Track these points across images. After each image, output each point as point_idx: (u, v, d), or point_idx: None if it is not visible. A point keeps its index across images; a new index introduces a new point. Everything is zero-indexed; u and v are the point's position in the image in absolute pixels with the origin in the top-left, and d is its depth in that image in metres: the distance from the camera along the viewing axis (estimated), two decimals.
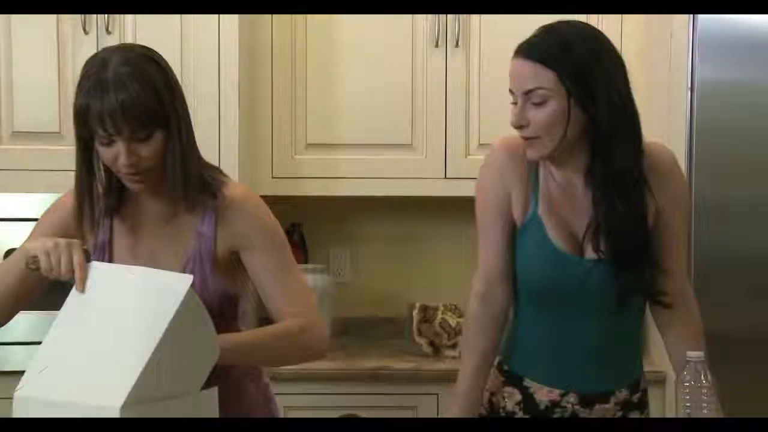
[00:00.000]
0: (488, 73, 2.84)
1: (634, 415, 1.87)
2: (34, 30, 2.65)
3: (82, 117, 1.65)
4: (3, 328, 2.61)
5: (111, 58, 1.66)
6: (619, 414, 1.85)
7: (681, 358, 1.73)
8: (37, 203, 2.65)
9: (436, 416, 2.67)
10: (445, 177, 2.87)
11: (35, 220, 2.59)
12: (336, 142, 2.88)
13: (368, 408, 2.63)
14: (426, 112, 2.86)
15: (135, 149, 1.66)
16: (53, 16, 2.64)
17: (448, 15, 2.82)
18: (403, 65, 2.85)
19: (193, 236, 1.78)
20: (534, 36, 1.78)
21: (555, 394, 1.84)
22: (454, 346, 2.81)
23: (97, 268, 1.60)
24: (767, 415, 1.80)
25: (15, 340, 2.62)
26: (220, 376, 1.60)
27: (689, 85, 2.57)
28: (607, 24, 2.82)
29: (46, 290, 1.76)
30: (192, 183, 1.73)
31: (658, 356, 2.75)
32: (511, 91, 1.78)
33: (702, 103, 2.57)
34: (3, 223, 2.65)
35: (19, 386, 1.49)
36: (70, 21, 2.65)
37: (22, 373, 1.54)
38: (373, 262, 3.13)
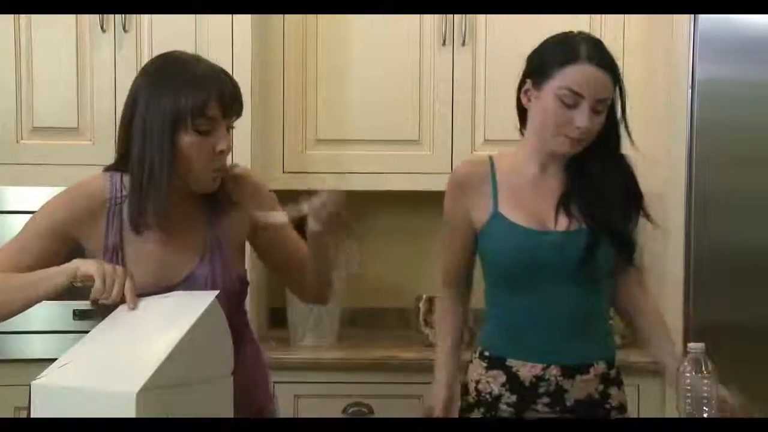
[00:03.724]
0: (494, 71, 2.88)
1: (614, 390, 1.97)
2: (54, 28, 2.69)
3: (200, 106, 1.69)
4: (21, 318, 2.68)
5: (191, 58, 1.77)
6: (600, 387, 1.95)
7: (652, 330, 1.99)
8: None
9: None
10: (452, 172, 2.91)
11: None
12: (345, 138, 2.92)
13: (375, 397, 2.68)
14: (433, 109, 2.91)
15: (229, 139, 1.75)
16: (72, 15, 2.68)
17: (455, 15, 2.86)
18: (411, 63, 2.90)
19: (209, 227, 1.82)
20: (588, 44, 1.88)
21: (538, 368, 1.93)
22: None
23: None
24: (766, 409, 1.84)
25: (32, 329, 2.68)
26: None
27: (690, 83, 2.61)
28: (609, 23, 2.86)
29: None
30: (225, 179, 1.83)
31: None
32: (575, 93, 1.84)
33: (702, 100, 2.60)
34: (22, 215, 2.68)
35: (39, 377, 1.51)
36: (88, 19, 2.69)
37: (39, 361, 1.59)
38: (381, 255, 3.16)
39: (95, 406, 1.43)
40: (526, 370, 1.93)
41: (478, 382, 1.98)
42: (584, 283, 1.91)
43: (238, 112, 1.77)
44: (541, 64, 1.90)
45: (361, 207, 3.15)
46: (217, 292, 1.63)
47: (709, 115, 2.62)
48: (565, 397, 1.93)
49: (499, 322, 1.99)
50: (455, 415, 2.00)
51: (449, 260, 2.06)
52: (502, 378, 1.95)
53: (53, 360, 1.56)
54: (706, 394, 1.68)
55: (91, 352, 1.57)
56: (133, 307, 1.64)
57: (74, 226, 1.80)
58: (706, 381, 1.68)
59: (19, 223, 2.79)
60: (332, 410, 2.67)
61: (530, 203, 1.94)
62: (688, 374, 1.69)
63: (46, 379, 1.50)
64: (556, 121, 1.86)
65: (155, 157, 1.70)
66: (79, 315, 2.65)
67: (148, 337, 1.57)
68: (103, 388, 1.45)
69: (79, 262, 1.68)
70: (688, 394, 1.69)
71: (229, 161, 1.84)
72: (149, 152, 1.71)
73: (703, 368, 1.68)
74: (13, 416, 2.48)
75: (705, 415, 1.67)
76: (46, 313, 2.68)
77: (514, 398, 1.94)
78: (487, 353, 1.99)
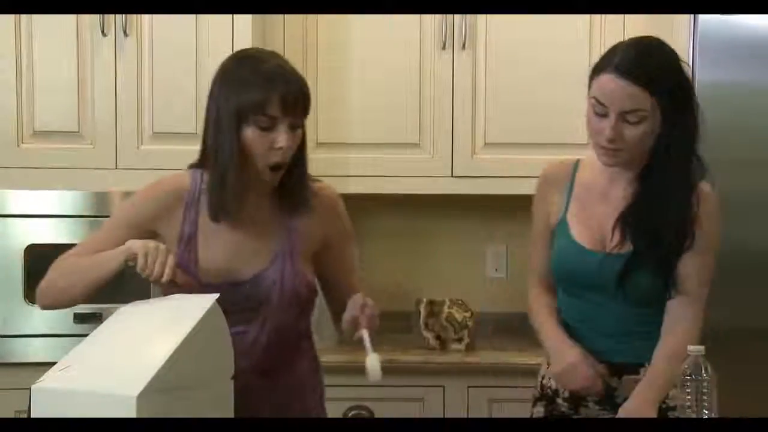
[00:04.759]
0: (494, 75, 2.89)
1: (672, 391, 1.91)
2: (54, 32, 2.70)
3: (261, 104, 1.74)
4: (22, 322, 2.69)
5: (263, 56, 1.82)
6: None
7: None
8: (56, 200, 2.73)
9: (442, 407, 2.73)
10: (452, 175, 2.92)
11: (55, 216, 2.70)
12: (346, 141, 2.93)
13: (376, 400, 2.67)
14: (433, 112, 2.91)
15: (291, 136, 1.78)
16: (73, 19, 2.69)
17: (456, 18, 2.87)
18: (411, 67, 2.90)
19: (283, 231, 1.86)
20: (628, 53, 1.83)
21: None
22: (460, 340, 2.87)
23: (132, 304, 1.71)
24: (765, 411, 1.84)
25: (33, 333, 2.69)
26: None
27: None
28: (609, 26, 2.87)
29: None
30: (308, 183, 1.87)
31: None
32: (600, 103, 1.83)
33: (702, 103, 2.60)
34: (24, 219, 2.71)
35: (39, 380, 1.52)
36: (89, 23, 2.70)
37: (39, 365, 1.60)
38: (381, 258, 3.16)
39: (95, 410, 1.43)
40: None
41: (543, 376, 2.04)
42: (626, 299, 1.92)
43: (303, 112, 1.81)
44: (590, 72, 1.90)
45: (361, 210, 3.16)
46: (217, 295, 1.64)
47: (709, 118, 2.60)
48: (615, 395, 1.94)
49: (560, 319, 2.03)
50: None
51: (534, 258, 2.07)
52: None
53: (53, 363, 1.56)
54: (706, 397, 1.69)
55: (91, 355, 1.57)
56: (179, 282, 1.72)
57: (153, 219, 1.86)
58: (705, 384, 1.69)
59: (20, 226, 2.81)
60: (333, 413, 2.65)
61: (593, 216, 1.96)
62: (688, 377, 1.70)
63: (46, 382, 1.51)
64: (590, 129, 1.87)
65: (225, 148, 1.78)
66: (79, 318, 2.65)
67: (148, 341, 1.57)
68: (104, 392, 1.45)
69: (130, 242, 1.74)
70: (688, 397, 1.69)
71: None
72: (220, 144, 1.79)
73: (703, 371, 1.69)
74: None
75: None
76: (46, 317, 2.68)
77: (568, 394, 1.98)
78: None
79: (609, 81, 1.82)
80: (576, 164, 2.02)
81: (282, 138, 1.77)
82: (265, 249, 1.85)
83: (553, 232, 2.00)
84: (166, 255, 1.70)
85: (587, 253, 1.94)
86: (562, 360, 1.93)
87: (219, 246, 1.84)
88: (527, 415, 2.07)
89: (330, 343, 2.89)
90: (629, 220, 1.90)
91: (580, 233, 1.95)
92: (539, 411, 2.03)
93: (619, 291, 1.90)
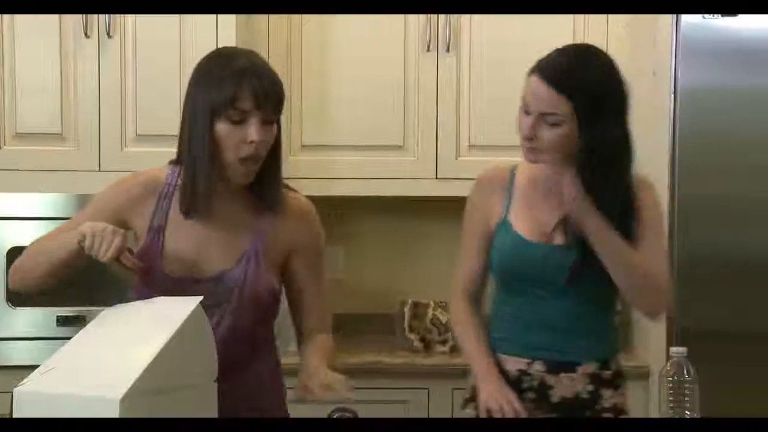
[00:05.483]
0: (478, 77, 2.91)
1: (608, 392, 1.97)
2: (37, 33, 2.69)
3: (231, 98, 1.75)
4: (4, 324, 2.68)
5: (236, 53, 1.84)
6: (590, 387, 1.96)
7: None
8: (39, 202, 2.72)
9: (426, 409, 2.73)
10: (436, 178, 2.93)
11: (38, 219, 2.69)
12: (330, 144, 2.93)
13: (361, 402, 2.66)
14: (418, 115, 2.92)
15: (263, 131, 1.78)
16: (56, 21, 2.69)
17: (440, 21, 2.88)
18: (395, 69, 2.91)
19: (252, 233, 1.85)
20: (554, 58, 1.91)
21: (522, 363, 1.97)
22: (444, 342, 2.88)
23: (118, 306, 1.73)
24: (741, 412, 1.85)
25: (16, 336, 2.68)
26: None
27: (672, 90, 2.63)
28: (591, 29, 2.88)
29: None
30: (281, 183, 1.87)
31: (641, 351, 2.83)
32: (526, 102, 1.90)
33: (685, 107, 2.63)
34: (6, 221, 2.70)
35: (21, 383, 1.51)
36: (72, 25, 2.69)
37: (22, 368, 1.59)
38: (366, 260, 3.17)
39: (79, 413, 1.43)
40: (512, 364, 1.97)
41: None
42: (573, 292, 1.94)
43: (275, 108, 1.82)
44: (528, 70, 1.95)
45: (346, 213, 3.16)
46: (200, 298, 1.63)
47: (691, 122, 2.64)
48: (550, 394, 1.95)
49: (497, 317, 2.05)
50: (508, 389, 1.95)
51: (464, 265, 2.06)
52: None
53: (36, 366, 1.55)
54: (688, 398, 1.71)
55: (74, 358, 1.56)
56: (127, 265, 1.74)
57: (124, 209, 1.88)
58: (687, 386, 1.71)
59: (3, 228, 2.80)
60: (317, 415, 2.67)
61: (537, 212, 1.97)
62: (670, 378, 1.71)
63: (28, 385, 1.50)
64: (518, 125, 1.93)
65: (197, 143, 1.80)
66: (62, 321, 2.65)
67: (131, 343, 1.57)
68: (87, 395, 1.44)
69: (83, 225, 1.76)
70: (671, 398, 1.71)
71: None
72: (193, 139, 1.81)
73: (685, 372, 1.71)
74: None
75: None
76: (29, 320, 2.67)
77: None
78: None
79: (534, 82, 1.89)
80: (514, 167, 2.05)
81: (253, 131, 1.77)
82: (232, 248, 1.85)
83: (492, 234, 2.01)
84: (112, 236, 1.72)
85: (531, 245, 1.95)
86: (484, 388, 1.94)
87: (187, 240, 1.85)
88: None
89: None
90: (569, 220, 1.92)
91: (523, 227, 1.97)
92: (470, 413, 2.03)
93: (565, 284, 1.92)
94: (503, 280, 2.02)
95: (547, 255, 1.93)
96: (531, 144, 1.90)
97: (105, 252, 1.70)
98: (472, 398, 2.02)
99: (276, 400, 1.98)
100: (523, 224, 1.97)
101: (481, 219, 2.03)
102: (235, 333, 1.83)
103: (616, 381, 2.00)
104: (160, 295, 1.74)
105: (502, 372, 1.97)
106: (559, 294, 1.94)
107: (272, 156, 1.85)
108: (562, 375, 1.95)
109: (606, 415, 1.95)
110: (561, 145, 1.89)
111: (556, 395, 1.95)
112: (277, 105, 1.82)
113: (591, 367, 1.97)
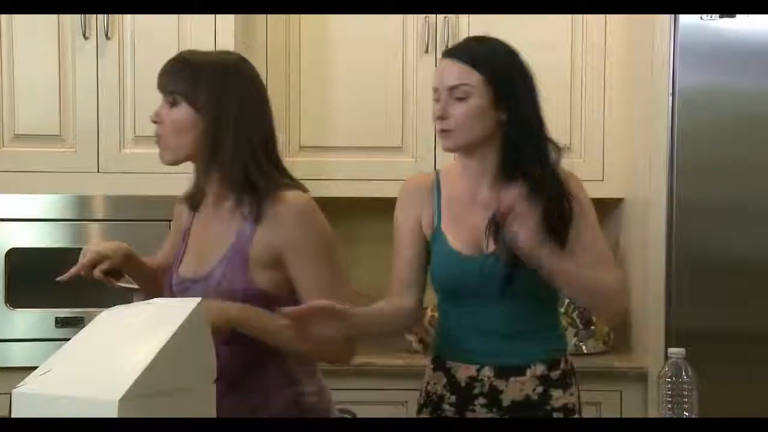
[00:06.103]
0: None
1: (557, 392, 1.97)
2: (36, 35, 2.70)
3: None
4: (3, 326, 2.68)
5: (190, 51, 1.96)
6: (539, 389, 1.96)
7: None
8: (38, 204, 2.72)
9: None
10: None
11: (36, 220, 2.69)
12: (328, 145, 2.94)
13: (360, 403, 2.67)
14: (416, 116, 2.92)
15: (160, 110, 1.85)
16: (54, 22, 2.69)
17: (438, 22, 2.88)
18: (394, 70, 2.91)
19: (234, 235, 1.83)
20: (463, 42, 2.01)
21: (472, 370, 1.97)
22: None
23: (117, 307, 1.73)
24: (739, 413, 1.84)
25: (14, 337, 2.68)
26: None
27: (670, 91, 2.63)
28: (590, 31, 2.89)
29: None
30: (236, 181, 1.81)
31: (640, 353, 2.83)
32: (435, 88, 1.94)
33: (683, 108, 2.63)
34: (5, 223, 2.70)
35: (19, 385, 1.50)
36: (71, 26, 2.70)
37: (20, 369, 1.59)
38: (364, 262, 3.16)
39: (77, 414, 1.42)
40: (462, 372, 1.98)
41: (427, 383, 2.05)
42: (512, 297, 1.93)
43: (171, 89, 1.84)
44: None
45: (344, 214, 3.16)
46: (199, 299, 1.63)
47: (690, 122, 2.64)
48: (501, 398, 1.96)
49: (441, 326, 2.06)
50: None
51: (398, 267, 2.07)
52: (444, 380, 2.00)
53: (34, 368, 1.55)
54: (686, 399, 1.71)
55: (72, 359, 1.56)
56: (92, 276, 1.87)
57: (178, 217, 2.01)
58: (686, 386, 1.71)
59: (2, 229, 2.80)
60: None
61: (467, 222, 1.97)
62: (668, 379, 1.71)
63: (27, 387, 1.49)
64: (432, 120, 1.96)
65: None
66: (61, 323, 2.65)
67: (129, 345, 1.57)
68: (85, 396, 1.44)
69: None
70: (669, 399, 1.71)
71: None
72: None
73: (684, 373, 1.71)
74: None
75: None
76: (28, 321, 2.67)
77: (454, 398, 1.99)
78: (434, 357, 2.06)
79: (440, 64, 1.96)
80: (437, 174, 2.06)
81: (154, 113, 1.84)
82: (218, 248, 1.84)
83: (428, 242, 2.01)
84: (87, 256, 1.86)
85: (467, 259, 1.95)
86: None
87: (193, 241, 1.90)
88: None
89: None
90: (497, 224, 1.89)
91: (456, 241, 1.97)
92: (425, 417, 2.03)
93: (506, 290, 1.91)
94: (443, 292, 2.03)
95: (483, 266, 1.92)
96: (443, 124, 1.92)
97: (77, 269, 1.86)
98: (427, 403, 2.02)
99: (286, 400, 1.90)
100: (455, 236, 1.97)
101: (409, 225, 2.04)
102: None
103: (566, 380, 2.00)
104: (172, 296, 1.79)
105: (453, 378, 1.98)
106: (500, 300, 1.93)
107: (209, 145, 1.83)
108: (512, 379, 1.95)
109: (556, 415, 1.96)
110: (473, 118, 1.90)
111: (506, 399, 1.95)
112: (169, 86, 1.84)
113: (539, 369, 1.97)
